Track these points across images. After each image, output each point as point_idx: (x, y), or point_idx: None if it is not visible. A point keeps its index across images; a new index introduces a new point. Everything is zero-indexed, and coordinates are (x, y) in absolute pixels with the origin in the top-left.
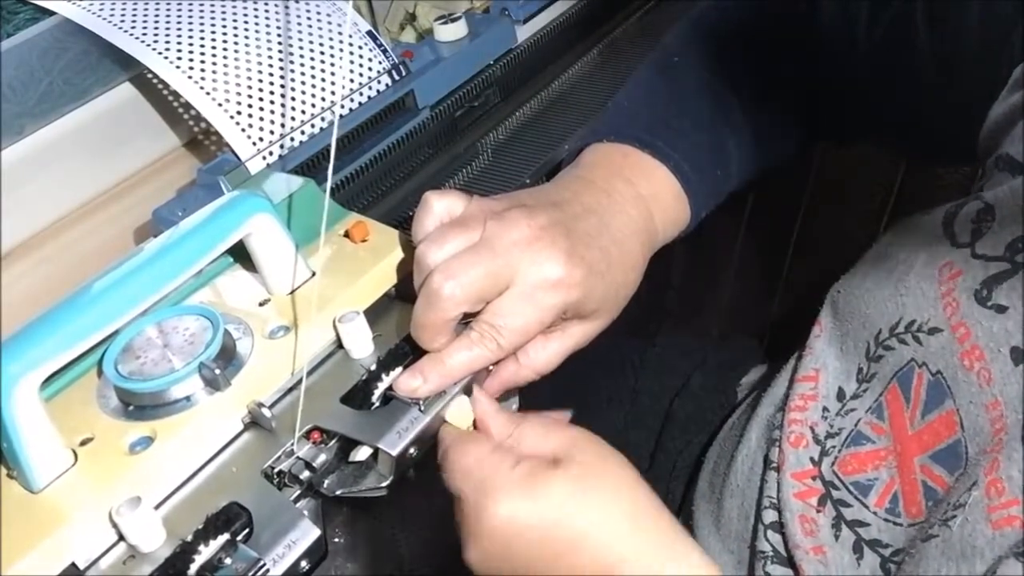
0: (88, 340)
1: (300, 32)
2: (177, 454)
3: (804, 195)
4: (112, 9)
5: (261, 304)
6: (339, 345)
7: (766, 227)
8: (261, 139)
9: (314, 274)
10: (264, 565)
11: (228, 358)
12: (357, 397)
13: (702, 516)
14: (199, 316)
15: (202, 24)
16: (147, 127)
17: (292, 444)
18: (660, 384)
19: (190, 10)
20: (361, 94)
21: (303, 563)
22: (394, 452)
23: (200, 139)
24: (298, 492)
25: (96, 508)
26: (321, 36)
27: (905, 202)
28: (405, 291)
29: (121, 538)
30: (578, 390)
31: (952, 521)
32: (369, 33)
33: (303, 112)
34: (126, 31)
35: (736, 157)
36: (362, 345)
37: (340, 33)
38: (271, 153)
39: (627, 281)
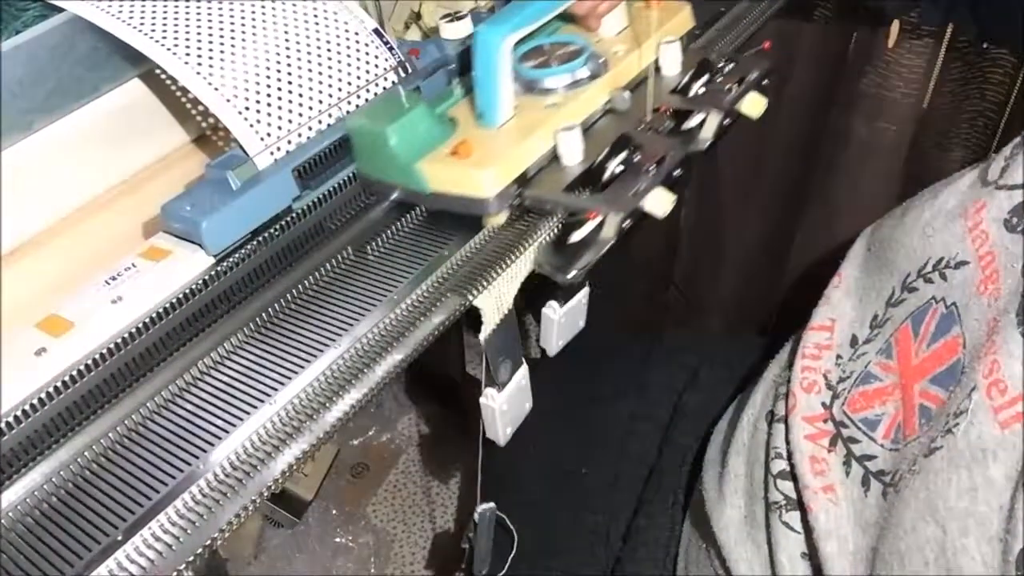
0: (542, 17)
1: (307, 29)
2: (576, 112)
3: (808, 192)
4: (121, 6)
5: (597, 41)
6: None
7: (769, 223)
8: (269, 135)
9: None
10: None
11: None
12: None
13: (708, 482)
14: (569, 42)
15: (210, 21)
16: (156, 123)
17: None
18: (668, 378)
19: (198, 7)
20: (368, 91)
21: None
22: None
23: (208, 135)
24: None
25: (532, 138)
26: (328, 33)
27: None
28: None
29: (555, 157)
30: (585, 384)
31: (956, 429)
32: (375, 31)
33: (311, 108)
34: (135, 27)
35: None
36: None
37: (347, 31)
38: (279, 148)
39: None
